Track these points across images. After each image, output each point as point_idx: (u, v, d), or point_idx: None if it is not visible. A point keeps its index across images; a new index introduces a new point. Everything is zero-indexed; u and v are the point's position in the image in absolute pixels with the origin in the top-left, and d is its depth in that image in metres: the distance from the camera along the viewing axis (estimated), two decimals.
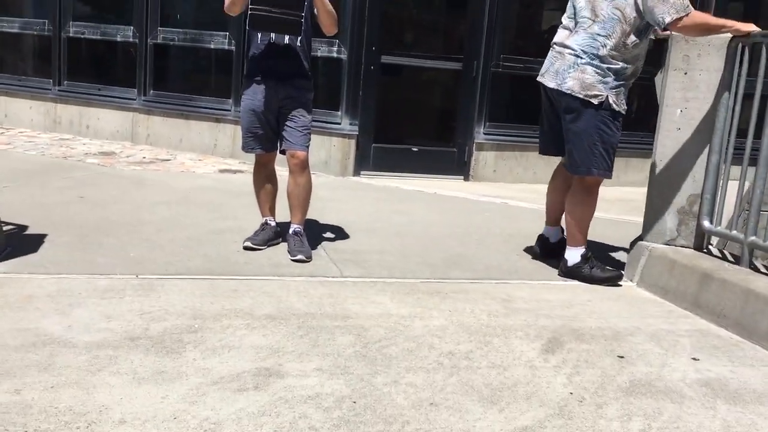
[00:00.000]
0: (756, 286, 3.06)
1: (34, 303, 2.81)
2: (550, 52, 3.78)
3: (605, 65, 3.56)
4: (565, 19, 3.75)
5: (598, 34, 3.55)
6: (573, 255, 3.78)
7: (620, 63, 3.56)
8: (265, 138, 3.84)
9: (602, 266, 3.77)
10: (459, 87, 6.93)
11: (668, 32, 3.59)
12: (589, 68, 3.57)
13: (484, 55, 6.83)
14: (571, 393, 2.35)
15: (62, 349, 2.40)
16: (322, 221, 4.56)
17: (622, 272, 3.80)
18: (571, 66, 3.61)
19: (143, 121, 7.62)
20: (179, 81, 7.84)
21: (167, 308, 2.86)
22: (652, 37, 3.72)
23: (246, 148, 3.90)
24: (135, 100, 7.68)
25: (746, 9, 8.57)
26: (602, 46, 3.54)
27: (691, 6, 3.41)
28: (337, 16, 3.80)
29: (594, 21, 3.57)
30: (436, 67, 7.01)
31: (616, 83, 3.59)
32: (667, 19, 3.39)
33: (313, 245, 3.92)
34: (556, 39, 3.77)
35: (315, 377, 2.33)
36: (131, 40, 7.68)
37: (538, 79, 3.80)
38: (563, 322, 3.05)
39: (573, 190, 3.80)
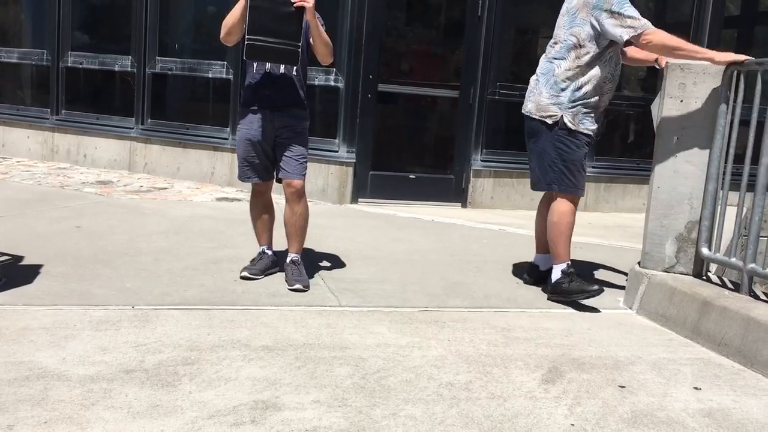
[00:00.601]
0: (756, 314, 3.04)
1: (29, 335, 2.77)
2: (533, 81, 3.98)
3: (558, 87, 3.77)
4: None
5: (554, 58, 3.81)
6: (555, 272, 3.83)
7: (573, 84, 3.74)
8: (261, 167, 3.83)
9: (582, 281, 3.81)
10: (456, 114, 6.96)
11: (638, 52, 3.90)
12: (544, 90, 3.82)
13: (480, 82, 6.88)
14: (573, 425, 2.31)
15: (56, 382, 2.37)
16: (319, 249, 4.54)
17: (603, 288, 3.80)
18: (532, 90, 3.91)
19: (141, 150, 7.63)
20: (177, 110, 7.87)
21: (163, 340, 2.83)
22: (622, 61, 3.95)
23: (242, 177, 3.89)
24: (132, 129, 7.70)
25: (739, 36, 8.65)
26: (557, 68, 3.78)
27: (649, 24, 3.59)
28: (333, 45, 3.82)
29: (553, 46, 3.85)
30: (433, 95, 7.05)
31: (571, 104, 3.76)
32: (626, 37, 3.59)
33: (311, 274, 3.90)
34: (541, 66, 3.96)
35: (313, 410, 2.29)
36: (129, 69, 7.72)
37: (524, 111, 3.99)
38: (563, 351, 3.02)
39: (549, 211, 3.90)
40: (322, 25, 3.68)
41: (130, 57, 7.70)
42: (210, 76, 7.34)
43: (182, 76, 7.57)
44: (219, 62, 7.19)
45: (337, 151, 6.63)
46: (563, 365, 2.85)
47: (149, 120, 7.66)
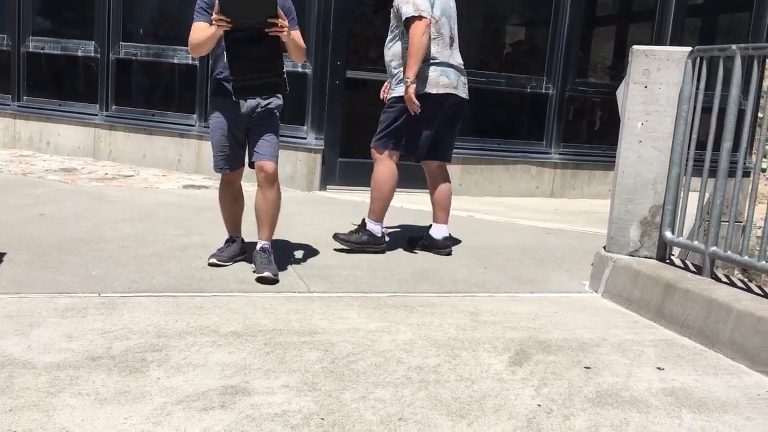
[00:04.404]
0: (718, 296, 3.11)
1: None
2: (453, 69, 4.32)
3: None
4: (449, 39, 4.33)
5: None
6: (376, 228, 4.37)
7: None
8: (234, 156, 3.75)
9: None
10: None
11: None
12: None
13: None
14: (539, 405, 2.35)
15: (21, 370, 2.34)
16: (288, 236, 4.53)
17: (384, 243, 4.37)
18: (461, 76, 4.40)
19: (105, 137, 7.51)
20: (142, 96, 7.76)
21: (130, 327, 2.81)
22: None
23: (217, 167, 3.81)
24: (97, 115, 7.57)
25: (703, 24, 8.80)
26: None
27: (424, 18, 4.05)
28: (301, 30, 3.79)
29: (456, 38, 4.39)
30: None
31: None
32: (407, 15, 4.09)
33: (280, 261, 3.88)
34: (454, 58, 4.36)
35: (282, 394, 2.30)
36: (93, 54, 7.58)
37: (452, 91, 4.28)
38: (530, 334, 3.06)
39: (444, 177, 4.52)
40: (296, 26, 3.66)
41: (93, 42, 7.55)
42: (175, 61, 7.24)
43: (147, 61, 7.45)
44: (184, 48, 7.08)
45: (305, 138, 6.60)
46: (530, 348, 2.89)
47: (114, 106, 7.54)
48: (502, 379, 2.56)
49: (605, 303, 3.68)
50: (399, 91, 4.24)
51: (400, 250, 4.52)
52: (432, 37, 4.18)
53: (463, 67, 4.42)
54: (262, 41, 3.41)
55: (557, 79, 7.39)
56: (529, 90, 7.38)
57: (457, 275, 4.02)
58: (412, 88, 4.12)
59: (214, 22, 3.38)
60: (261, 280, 3.55)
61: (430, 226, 4.55)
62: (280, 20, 3.39)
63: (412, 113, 4.20)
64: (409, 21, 4.09)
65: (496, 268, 4.22)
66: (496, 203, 6.82)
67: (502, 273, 4.13)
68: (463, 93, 4.38)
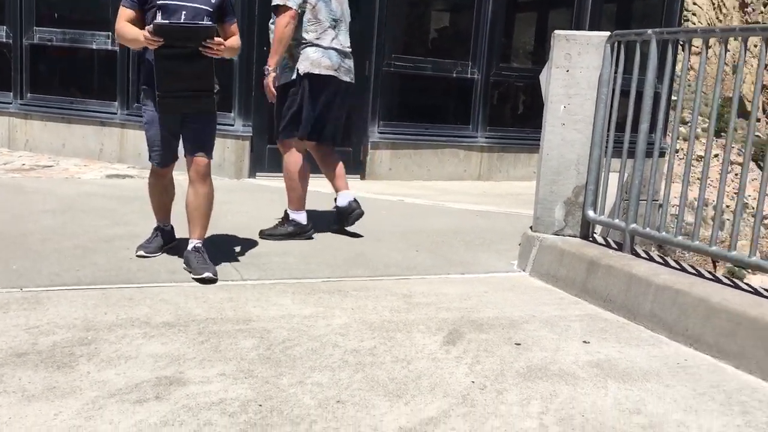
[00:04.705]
0: (638, 271, 3.25)
1: None
2: (335, 52, 4.34)
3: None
4: (331, 21, 4.35)
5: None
6: (300, 216, 4.42)
7: None
8: (168, 149, 3.59)
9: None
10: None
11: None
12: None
13: (375, 54, 6.90)
14: (473, 381, 2.42)
15: None
16: (218, 224, 4.46)
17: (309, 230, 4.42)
18: (345, 60, 4.42)
19: (21, 126, 7.20)
20: (59, 83, 7.46)
21: (56, 321, 2.72)
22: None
23: (152, 160, 3.65)
24: (11, 104, 7.24)
25: (619, 10, 9.09)
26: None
27: (289, 9, 4.10)
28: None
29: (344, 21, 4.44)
30: None
31: None
32: (274, 2, 4.14)
33: (211, 250, 3.79)
34: (339, 41, 4.37)
35: (218, 383, 2.28)
36: (4, 40, 7.24)
37: (333, 74, 4.32)
38: (462, 314, 3.13)
39: (335, 156, 4.56)
40: (233, 20, 3.61)
41: (5, 27, 7.21)
42: (94, 47, 6.99)
43: (64, 47, 7.16)
44: (103, 33, 6.86)
45: (233, 125, 6.50)
46: (463, 327, 2.96)
47: (29, 94, 7.23)
48: (437, 358, 2.61)
49: (533, 281, 3.79)
50: (284, 78, 4.29)
51: (330, 235, 4.53)
52: (310, 22, 4.24)
53: (349, 50, 4.45)
54: (194, 59, 3.31)
55: (482, 64, 7.51)
56: (455, 75, 7.48)
57: (389, 259, 4.06)
58: (272, 76, 4.21)
59: (144, 39, 3.25)
60: (201, 282, 3.35)
61: (336, 198, 4.61)
62: (216, 42, 3.31)
63: (269, 101, 4.34)
64: (276, 9, 4.15)
65: (427, 251, 4.29)
66: (426, 187, 6.90)
67: (433, 255, 4.20)
68: (345, 76, 4.42)
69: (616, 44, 3.62)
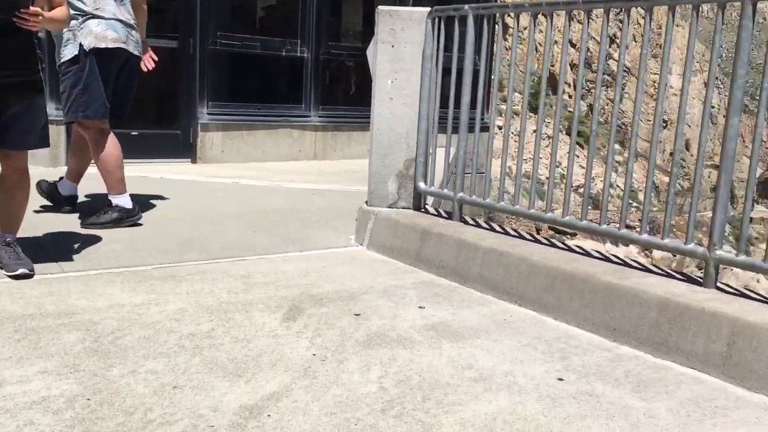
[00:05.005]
0: (466, 237, 3.42)
1: None
2: (120, 24, 4.13)
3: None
4: None
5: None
6: (123, 200, 4.20)
7: None
8: None
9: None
10: (177, 67, 6.69)
11: None
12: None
13: (200, 32, 6.67)
14: (314, 354, 2.42)
15: None
16: (32, 215, 4.13)
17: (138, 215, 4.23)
18: (131, 31, 4.23)
19: None
20: None
21: None
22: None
23: None
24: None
25: None
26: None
27: None
28: None
29: None
30: (151, 46, 6.68)
31: None
32: None
33: (26, 243, 3.49)
34: (122, 14, 4.16)
35: (39, 380, 2.11)
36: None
37: (122, 46, 4.13)
38: (302, 290, 3.13)
39: (115, 141, 4.27)
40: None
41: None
42: None
43: None
44: None
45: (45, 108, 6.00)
46: (303, 303, 2.96)
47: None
48: (277, 335, 2.59)
49: (370, 254, 3.86)
50: (66, 54, 4.04)
51: (161, 219, 4.34)
52: None
53: (133, 22, 4.26)
54: (10, 34, 2.92)
55: (311, 43, 7.49)
56: (284, 53, 7.41)
57: (225, 241, 3.96)
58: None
59: None
60: (17, 278, 3.07)
61: (60, 180, 4.51)
62: (31, 12, 2.89)
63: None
64: None
65: (264, 231, 4.23)
66: (261, 168, 6.80)
67: (271, 235, 4.15)
68: (134, 49, 4.24)
69: (437, 19, 3.75)
